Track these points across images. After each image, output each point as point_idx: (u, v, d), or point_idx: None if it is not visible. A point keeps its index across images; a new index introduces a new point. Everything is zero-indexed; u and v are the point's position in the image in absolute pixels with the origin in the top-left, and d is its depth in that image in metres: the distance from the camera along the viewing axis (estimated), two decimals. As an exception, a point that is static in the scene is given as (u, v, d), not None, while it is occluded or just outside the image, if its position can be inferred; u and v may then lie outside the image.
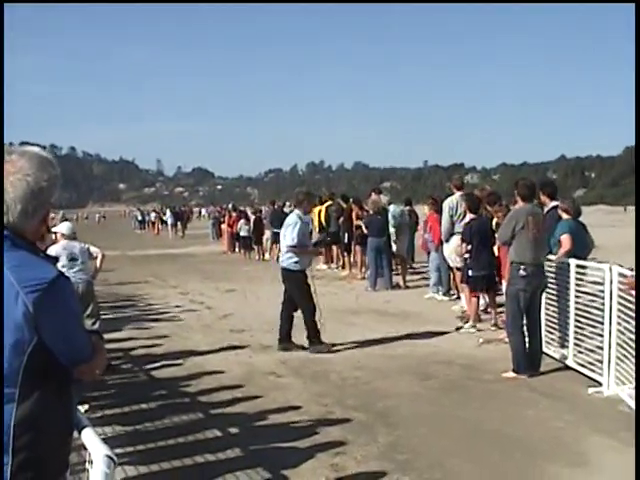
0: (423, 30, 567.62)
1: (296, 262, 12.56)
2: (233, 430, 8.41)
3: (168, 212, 60.76)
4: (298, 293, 12.67)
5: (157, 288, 22.53)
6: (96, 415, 8.70)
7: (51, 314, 2.96)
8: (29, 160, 3.10)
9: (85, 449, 3.26)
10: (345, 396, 9.67)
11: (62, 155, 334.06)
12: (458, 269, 14.96)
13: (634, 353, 8.45)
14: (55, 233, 11.24)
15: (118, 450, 7.11)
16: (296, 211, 13.17)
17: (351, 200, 24.70)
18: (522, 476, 6.98)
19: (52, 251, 10.61)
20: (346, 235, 23.77)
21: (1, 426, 2.93)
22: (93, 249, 11.58)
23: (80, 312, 3.28)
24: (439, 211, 17.91)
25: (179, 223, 57.80)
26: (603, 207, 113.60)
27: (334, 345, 12.73)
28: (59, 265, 10.44)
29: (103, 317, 12.35)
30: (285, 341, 12.68)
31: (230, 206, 42.94)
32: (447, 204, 15.43)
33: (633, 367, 8.51)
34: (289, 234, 12.55)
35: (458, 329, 13.91)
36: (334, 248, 25.71)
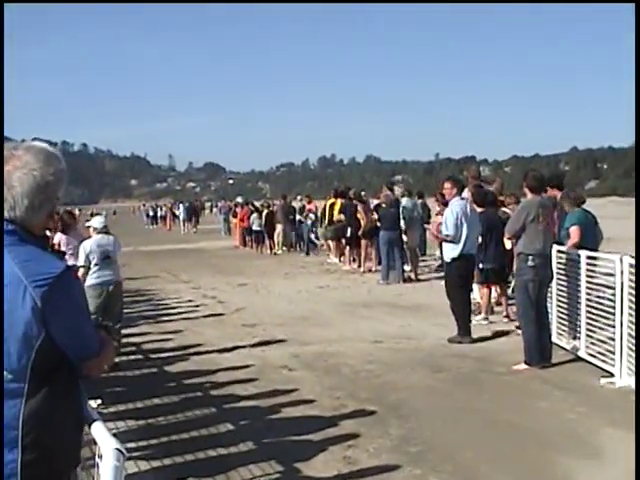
0: (433, 21, 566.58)
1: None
2: (246, 424, 8.43)
3: (181, 207, 60.64)
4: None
5: (169, 283, 22.57)
6: (109, 410, 8.73)
7: (59, 308, 2.97)
8: (35, 155, 3.11)
9: (95, 443, 3.26)
10: (357, 389, 9.67)
11: (74, 152, 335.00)
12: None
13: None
14: (89, 227, 11.20)
15: (131, 444, 7.17)
16: None
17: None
18: (535, 468, 6.96)
19: (87, 247, 10.62)
20: (349, 230, 23.72)
21: (1, 423, 2.94)
22: None
23: (87, 307, 3.27)
24: (446, 204, 17.93)
25: (192, 218, 57.65)
26: (615, 199, 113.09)
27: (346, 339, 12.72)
28: (92, 263, 10.51)
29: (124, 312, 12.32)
30: None
31: (239, 200, 42.83)
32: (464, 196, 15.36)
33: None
34: None
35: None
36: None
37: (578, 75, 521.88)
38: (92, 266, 10.56)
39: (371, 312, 15.77)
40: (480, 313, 14.05)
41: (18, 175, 3.04)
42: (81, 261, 10.40)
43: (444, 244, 12.76)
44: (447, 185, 12.99)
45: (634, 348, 8.84)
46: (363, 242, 23.37)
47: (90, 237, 11.01)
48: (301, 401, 9.16)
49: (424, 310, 15.69)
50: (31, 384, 2.96)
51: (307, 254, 30.36)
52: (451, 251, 12.41)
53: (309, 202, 32.65)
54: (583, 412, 8.42)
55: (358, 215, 22.96)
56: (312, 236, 31.01)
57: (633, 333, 9.07)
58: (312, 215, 30.76)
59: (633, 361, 9.09)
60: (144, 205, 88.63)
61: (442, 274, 19.45)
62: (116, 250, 11.01)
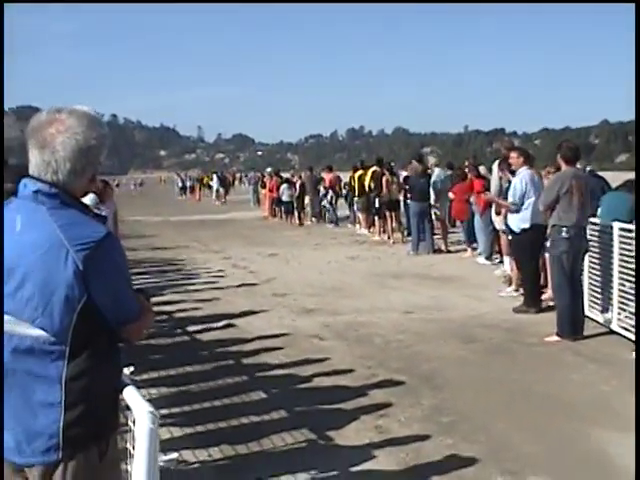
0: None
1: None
2: (277, 392, 8.46)
3: (215, 177, 60.67)
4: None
5: (199, 253, 22.60)
6: (141, 377, 8.77)
7: (100, 272, 2.99)
8: (78, 119, 3.11)
9: (128, 409, 3.28)
10: (389, 359, 9.68)
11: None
12: (504, 232, 14.81)
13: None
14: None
15: (163, 411, 7.23)
16: None
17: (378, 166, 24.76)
18: (569, 440, 6.93)
19: None
20: (377, 200, 23.72)
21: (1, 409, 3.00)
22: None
23: (128, 271, 3.29)
24: (481, 176, 17.87)
25: (222, 189, 57.70)
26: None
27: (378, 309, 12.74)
28: None
29: (147, 281, 12.34)
30: None
31: (269, 170, 42.81)
32: (496, 167, 15.27)
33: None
34: None
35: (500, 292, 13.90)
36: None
37: (608, 47, 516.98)
38: None
39: (401, 283, 15.76)
40: (511, 284, 14.01)
41: (61, 139, 3.04)
42: None
43: (511, 215, 12.62)
44: (513, 154, 12.90)
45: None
46: (387, 213, 23.41)
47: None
48: (332, 370, 9.18)
49: (454, 281, 15.68)
50: (72, 346, 2.99)
51: (336, 224, 30.42)
52: (522, 222, 12.32)
53: (328, 173, 32.71)
54: (616, 385, 8.39)
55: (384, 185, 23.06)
56: (327, 206, 31.21)
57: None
58: (323, 188, 31.38)
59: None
60: (177, 175, 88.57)
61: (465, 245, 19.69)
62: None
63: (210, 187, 62.68)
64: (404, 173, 24.18)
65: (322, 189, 31.49)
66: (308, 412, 7.77)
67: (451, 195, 19.98)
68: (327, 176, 32.03)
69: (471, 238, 19.39)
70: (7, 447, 3.06)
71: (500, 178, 14.78)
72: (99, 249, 2.97)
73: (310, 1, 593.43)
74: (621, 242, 10.39)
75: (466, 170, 19.77)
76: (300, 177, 35.34)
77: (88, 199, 11.23)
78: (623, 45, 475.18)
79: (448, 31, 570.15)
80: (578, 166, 11.38)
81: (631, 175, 12.34)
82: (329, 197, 30.86)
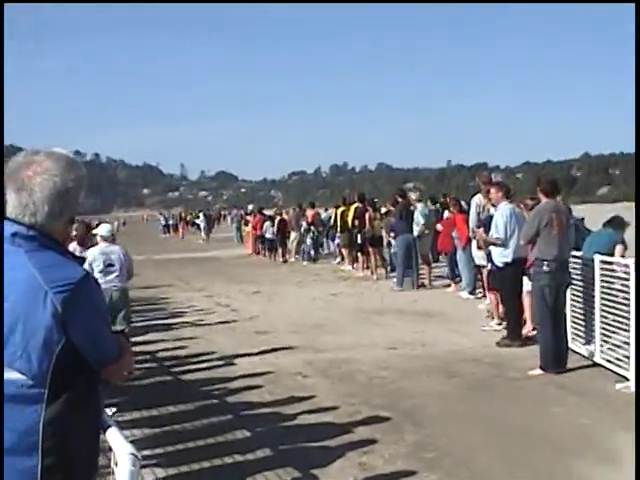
0: (442, 29, 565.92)
1: None
2: (261, 430, 8.44)
3: (201, 216, 60.85)
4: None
5: (182, 291, 22.61)
6: (124, 418, 8.73)
7: (79, 314, 2.99)
8: (56, 161, 3.12)
9: (111, 450, 3.28)
10: (372, 396, 9.67)
11: (86, 161, 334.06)
12: (484, 267, 14.86)
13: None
14: (95, 235, 11.25)
15: (146, 452, 7.20)
16: None
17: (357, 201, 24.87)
18: (551, 473, 6.95)
19: (90, 255, 10.66)
20: (359, 236, 23.82)
21: (1, 425, 2.96)
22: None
23: (107, 313, 3.30)
24: (463, 211, 17.94)
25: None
26: (628, 204, 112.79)
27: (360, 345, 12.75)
28: (95, 270, 10.56)
29: (131, 320, 12.31)
30: None
31: (250, 208, 42.93)
32: (474, 201, 15.35)
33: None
34: None
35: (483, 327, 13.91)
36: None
37: (589, 80, 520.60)
38: (95, 273, 10.61)
39: (384, 319, 15.76)
40: (493, 318, 14.04)
41: (39, 181, 3.06)
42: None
43: (493, 249, 12.68)
44: (493, 190, 13.02)
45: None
46: (370, 249, 23.49)
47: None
48: (316, 408, 9.17)
49: (438, 316, 15.70)
50: (51, 390, 2.97)
51: (315, 262, 30.50)
52: (504, 256, 12.37)
53: (310, 210, 32.92)
54: (598, 417, 8.41)
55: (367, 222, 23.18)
56: (307, 243, 31.33)
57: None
58: (305, 224, 31.48)
59: (648, 366, 9.09)
60: (160, 213, 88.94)
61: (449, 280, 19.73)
62: (122, 259, 10.99)
63: (194, 224, 62.86)
64: (384, 209, 24.40)
65: (304, 224, 31.50)
66: (292, 450, 7.75)
67: (439, 227, 20.04)
68: (309, 213, 32.09)
69: (454, 273, 19.44)
70: None
71: (478, 213, 14.87)
72: (77, 291, 2.97)
73: (291, 37, 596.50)
74: (602, 275, 10.44)
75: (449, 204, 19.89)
76: (281, 214, 35.46)
77: (104, 229, 11.28)
78: (604, 78, 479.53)
79: (428, 65, 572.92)
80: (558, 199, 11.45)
81: (612, 207, 12.51)
82: (310, 234, 30.89)
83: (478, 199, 15.25)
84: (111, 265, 10.80)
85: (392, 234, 21.67)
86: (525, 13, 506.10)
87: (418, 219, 20.92)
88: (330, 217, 31.59)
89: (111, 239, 11.14)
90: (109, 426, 3.35)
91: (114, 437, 3.28)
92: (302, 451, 7.72)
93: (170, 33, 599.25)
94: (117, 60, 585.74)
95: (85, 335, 3.04)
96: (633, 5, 10.00)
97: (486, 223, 13.44)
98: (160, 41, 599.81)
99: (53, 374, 2.96)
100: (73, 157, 3.24)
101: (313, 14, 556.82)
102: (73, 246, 11.17)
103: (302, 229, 31.60)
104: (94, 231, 11.40)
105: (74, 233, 10.86)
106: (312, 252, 31.08)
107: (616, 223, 12.13)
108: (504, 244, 12.26)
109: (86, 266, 10.44)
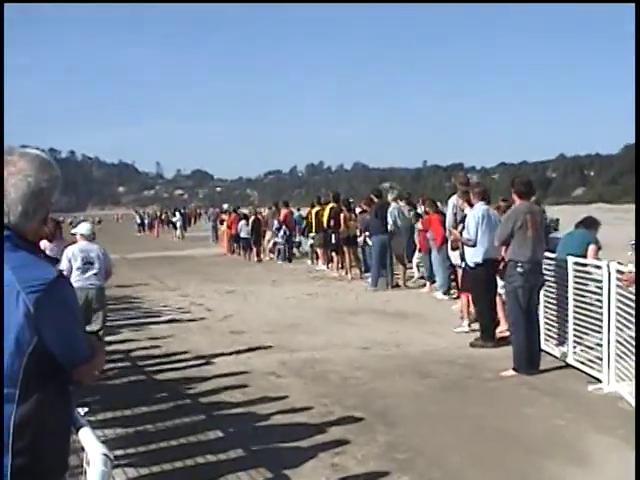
0: (420, 30, 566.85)
1: None
2: (234, 431, 8.43)
3: (177, 214, 60.73)
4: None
5: (157, 290, 22.56)
6: (97, 418, 8.70)
7: (51, 314, 2.98)
8: (30, 161, 3.12)
9: (83, 450, 3.27)
10: (345, 396, 9.68)
11: (61, 159, 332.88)
12: (460, 267, 14.90)
13: (634, 350, 8.47)
14: (74, 234, 11.21)
15: (119, 452, 7.16)
16: None
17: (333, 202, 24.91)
18: (523, 474, 6.98)
19: (69, 252, 10.63)
20: (333, 236, 23.85)
21: (1, 427, 2.95)
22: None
23: (79, 313, 3.29)
24: (439, 211, 17.98)
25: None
26: (602, 205, 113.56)
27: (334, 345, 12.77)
28: (73, 267, 10.52)
29: (107, 319, 12.27)
30: None
31: (225, 207, 42.87)
32: (451, 202, 15.40)
33: (633, 364, 8.53)
34: None
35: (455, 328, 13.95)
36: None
37: (565, 82, 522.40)
38: (74, 270, 10.57)
39: (359, 319, 15.79)
40: (464, 319, 14.08)
41: (13, 181, 3.05)
42: (62, 265, 10.39)
43: (467, 249, 12.76)
44: (471, 191, 13.16)
45: (630, 354, 8.85)
46: (345, 249, 23.52)
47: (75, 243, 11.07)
48: (289, 408, 9.16)
49: (412, 317, 15.73)
50: (22, 389, 2.96)
51: (290, 261, 30.53)
52: (475, 256, 12.45)
53: (284, 209, 32.83)
54: (571, 418, 8.45)
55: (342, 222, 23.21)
56: (279, 242, 31.38)
57: (620, 339, 9.13)
58: (277, 224, 31.38)
59: (621, 367, 9.14)
60: (136, 212, 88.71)
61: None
62: (100, 257, 10.95)
63: (169, 222, 62.72)
64: (358, 209, 24.42)
65: (276, 223, 31.47)
66: (265, 450, 7.74)
67: (419, 225, 20.03)
68: (283, 212, 32.05)
69: (430, 273, 19.46)
70: None
71: (455, 214, 14.91)
72: (50, 291, 2.97)
73: (267, 37, 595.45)
74: (575, 276, 10.50)
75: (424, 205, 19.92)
76: (256, 213, 35.46)
77: (84, 228, 11.25)
78: (580, 77, 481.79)
79: (404, 65, 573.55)
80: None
81: (587, 208, 12.61)
82: (281, 233, 30.87)
83: (455, 199, 15.30)
84: (90, 263, 10.75)
85: (367, 233, 21.67)
86: (501, 14, 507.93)
87: (396, 220, 20.91)
88: (301, 217, 31.70)
89: (91, 238, 11.10)
90: (81, 426, 3.34)
91: (86, 437, 3.27)
92: (275, 451, 7.72)
93: (139, 31, 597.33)
94: (91, 58, 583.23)
95: (57, 335, 3.03)
96: (633, 5, 10.00)
97: (461, 223, 13.52)
98: (129, 40, 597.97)
99: (24, 374, 2.95)
100: (47, 157, 3.23)
101: (287, 13, 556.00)
102: (44, 244, 11.14)
103: (274, 228, 31.56)
104: (74, 230, 11.34)
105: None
106: (286, 251, 31.05)
107: (588, 223, 12.21)
108: (475, 244, 12.33)
109: (64, 263, 10.49)
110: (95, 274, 10.79)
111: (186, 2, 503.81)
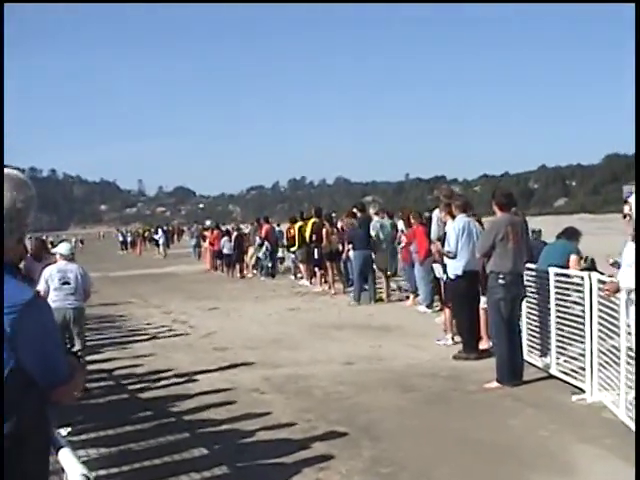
0: (401, 44, 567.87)
1: None
2: (219, 448, 8.39)
3: (160, 232, 60.61)
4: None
5: (140, 308, 22.49)
6: (80, 437, 8.64)
7: (28, 335, 2.95)
8: (6, 182, 3.10)
9: (64, 471, 3.25)
10: (329, 411, 9.67)
11: (42, 177, 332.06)
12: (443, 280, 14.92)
13: (616, 359, 8.50)
14: (54, 254, 11.21)
15: (102, 472, 7.12)
16: None
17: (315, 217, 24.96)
18: (508, 486, 6.99)
19: (46, 272, 10.62)
20: (316, 251, 23.87)
21: (1, 428, 2.93)
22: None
23: (57, 333, 3.27)
24: (423, 223, 17.97)
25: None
26: (585, 215, 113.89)
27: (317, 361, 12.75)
28: (50, 287, 10.50)
29: (86, 339, 12.23)
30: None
31: (208, 223, 42.88)
32: (436, 214, 15.40)
33: (615, 374, 8.56)
34: None
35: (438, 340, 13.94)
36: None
37: (546, 94, 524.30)
38: (51, 291, 10.56)
39: (342, 333, 15.77)
40: (447, 332, 14.08)
41: None
42: (39, 286, 10.37)
43: (448, 261, 12.79)
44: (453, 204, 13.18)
45: (612, 364, 8.87)
46: (328, 264, 23.53)
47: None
48: (273, 424, 9.13)
49: (395, 330, 15.73)
50: (0, 410, 2.95)
51: (273, 277, 30.48)
52: (456, 269, 12.48)
53: (265, 225, 32.57)
54: (554, 429, 8.45)
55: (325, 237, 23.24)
56: (262, 258, 31.30)
57: (603, 349, 9.15)
58: (259, 239, 31.27)
59: (603, 377, 9.15)
60: (118, 230, 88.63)
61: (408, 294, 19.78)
62: (79, 277, 10.93)
63: (152, 240, 62.59)
64: (340, 223, 24.44)
65: (258, 239, 31.40)
66: (250, 467, 7.72)
67: (404, 238, 19.99)
68: (265, 227, 31.97)
69: (413, 287, 19.45)
70: None
71: (438, 226, 14.92)
72: (26, 312, 2.94)
73: (248, 50, 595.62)
74: (557, 287, 10.53)
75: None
76: (239, 229, 35.43)
77: (63, 248, 11.25)
78: (560, 88, 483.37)
79: (386, 80, 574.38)
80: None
81: (569, 219, 12.68)
82: (264, 248, 30.80)
83: (438, 212, 15.32)
84: (67, 283, 10.74)
85: (350, 245, 21.61)
86: (480, 26, 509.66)
87: (379, 234, 20.90)
88: (282, 232, 31.68)
89: (70, 257, 11.11)
90: (61, 446, 3.32)
91: (66, 458, 3.26)
92: (259, 468, 7.69)
93: (121, 47, 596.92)
94: (71, 76, 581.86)
95: (34, 357, 3.00)
96: (633, 5, 10.03)
97: (443, 236, 13.54)
98: (112, 56, 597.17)
99: (2, 396, 2.94)
100: (23, 177, 3.21)
101: (270, 26, 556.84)
102: (30, 260, 11.13)
103: (256, 243, 31.50)
104: (54, 250, 11.34)
105: (29, 248, 10.82)
106: (269, 267, 30.99)
107: (569, 234, 12.26)
108: (455, 256, 12.37)
109: (42, 284, 10.46)
110: (72, 294, 10.77)
111: (163, 15, 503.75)
